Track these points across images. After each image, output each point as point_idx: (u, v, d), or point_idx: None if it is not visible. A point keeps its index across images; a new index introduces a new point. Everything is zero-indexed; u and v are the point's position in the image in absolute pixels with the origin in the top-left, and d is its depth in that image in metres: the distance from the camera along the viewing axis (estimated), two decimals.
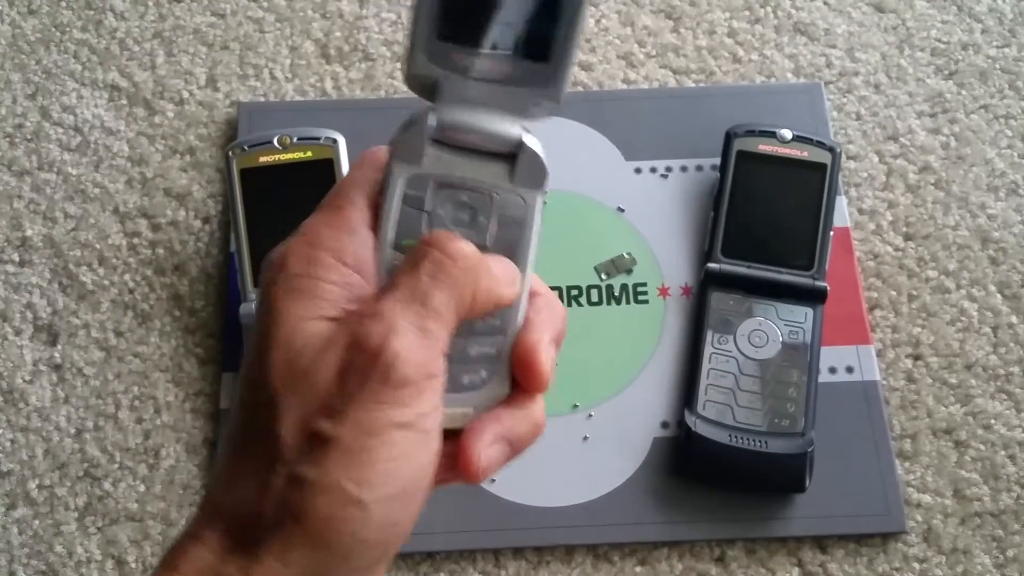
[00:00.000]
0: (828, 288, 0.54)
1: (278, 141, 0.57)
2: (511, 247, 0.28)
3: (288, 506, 0.24)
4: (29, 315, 0.58)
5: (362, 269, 0.27)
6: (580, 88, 0.64)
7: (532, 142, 0.28)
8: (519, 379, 0.29)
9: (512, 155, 0.28)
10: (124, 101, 0.64)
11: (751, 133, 0.58)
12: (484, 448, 0.27)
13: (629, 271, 0.58)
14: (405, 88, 0.29)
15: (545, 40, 0.27)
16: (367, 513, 0.24)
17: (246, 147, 0.57)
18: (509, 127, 0.28)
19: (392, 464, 0.24)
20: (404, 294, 0.26)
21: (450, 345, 0.26)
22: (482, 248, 0.28)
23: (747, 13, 0.66)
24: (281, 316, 0.26)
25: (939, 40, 0.65)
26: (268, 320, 0.26)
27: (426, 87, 0.28)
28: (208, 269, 0.59)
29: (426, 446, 0.26)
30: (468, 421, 0.28)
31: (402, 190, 0.28)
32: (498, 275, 0.27)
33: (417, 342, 0.25)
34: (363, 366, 0.24)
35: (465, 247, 0.27)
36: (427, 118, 0.27)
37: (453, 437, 0.28)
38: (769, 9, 0.66)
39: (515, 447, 0.29)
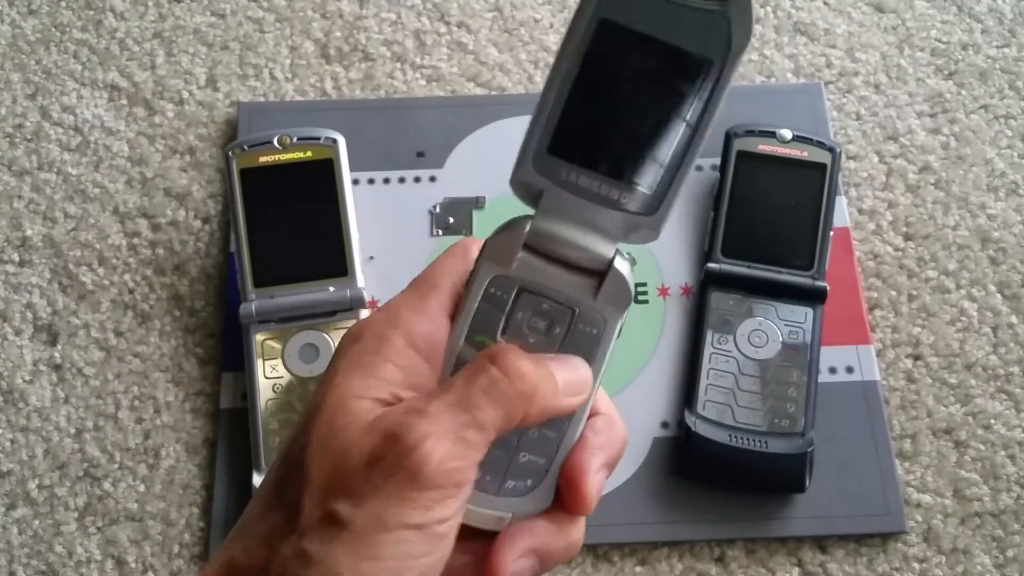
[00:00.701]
0: (828, 288, 0.54)
1: (278, 141, 0.57)
2: None
3: None
4: (29, 315, 0.58)
5: (432, 356, 0.27)
6: None
7: (622, 265, 0.28)
8: (563, 497, 0.28)
9: (600, 273, 0.28)
10: (124, 101, 0.64)
11: (751, 133, 0.58)
12: (514, 559, 0.27)
13: None
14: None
15: (654, 171, 0.27)
16: None
17: (246, 147, 0.57)
18: (603, 246, 0.28)
19: (397, 563, 0.24)
20: (454, 399, 0.25)
21: (497, 446, 0.26)
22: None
23: None
24: (335, 388, 0.26)
25: (939, 40, 0.65)
26: (323, 388, 0.26)
27: (530, 195, 0.28)
28: (208, 269, 0.59)
29: (436, 550, 0.25)
30: (504, 525, 0.28)
31: (486, 287, 0.28)
32: (560, 384, 0.27)
33: (453, 450, 0.25)
34: (394, 459, 0.24)
35: (525, 366, 0.26)
36: (526, 225, 0.28)
37: (485, 538, 0.28)
38: (769, 9, 0.66)
39: (545, 563, 0.28)
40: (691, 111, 0.27)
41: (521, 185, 0.28)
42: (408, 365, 0.27)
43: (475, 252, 0.29)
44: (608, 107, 0.27)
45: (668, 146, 0.27)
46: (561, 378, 0.27)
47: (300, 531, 0.24)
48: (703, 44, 0.26)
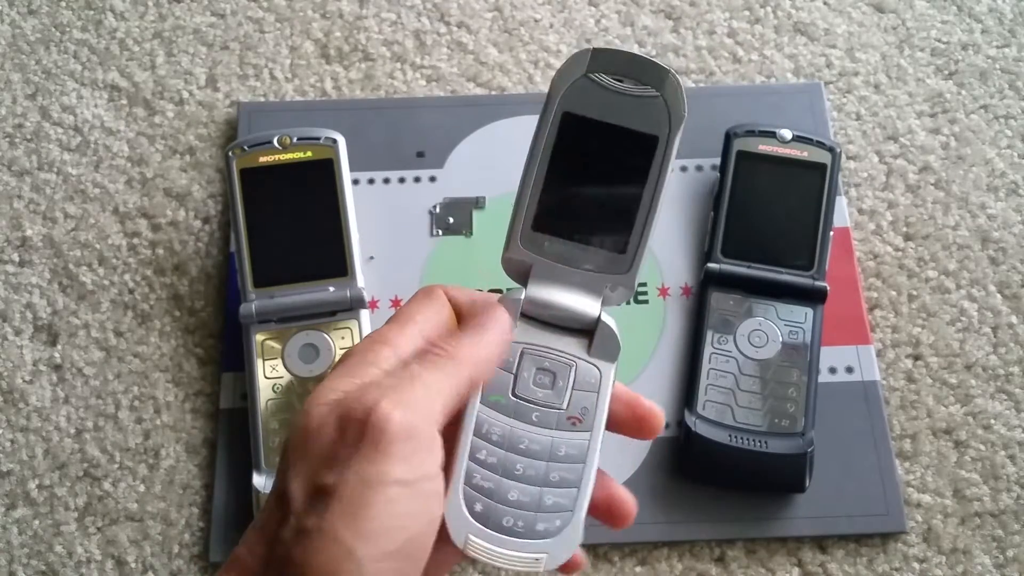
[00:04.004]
0: (828, 288, 0.54)
1: (278, 141, 0.57)
2: (585, 409, 0.32)
3: (291, 558, 0.26)
4: (29, 315, 0.58)
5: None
6: None
7: (608, 320, 0.32)
8: (610, 520, 0.33)
9: (591, 331, 0.32)
10: (124, 101, 0.64)
11: (751, 133, 0.58)
12: None
13: None
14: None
15: (623, 236, 0.32)
16: (362, 567, 0.25)
17: (246, 147, 0.57)
18: (589, 307, 0.32)
19: (390, 520, 0.26)
20: (397, 374, 0.29)
21: (522, 493, 0.31)
22: (558, 409, 0.32)
23: (747, 13, 0.66)
24: (316, 389, 0.29)
25: (939, 40, 0.65)
26: (320, 391, 0.29)
27: (520, 271, 0.33)
28: (208, 269, 0.59)
29: (426, 509, 0.27)
30: (541, 566, 0.30)
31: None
32: (489, 343, 0.31)
33: (405, 408, 0.27)
34: (358, 425, 0.27)
35: (454, 348, 0.30)
36: (517, 299, 0.32)
37: None
38: (769, 9, 0.66)
39: None
40: (647, 179, 0.32)
41: (511, 261, 0.32)
42: (391, 370, 0.29)
43: (441, 297, 0.33)
44: (578, 185, 0.32)
45: (631, 212, 0.32)
46: (482, 353, 0.31)
47: (295, 513, 0.26)
48: (649, 124, 0.32)
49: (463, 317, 0.33)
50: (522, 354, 0.32)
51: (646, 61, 0.32)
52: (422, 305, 0.32)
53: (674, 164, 0.33)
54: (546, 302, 0.32)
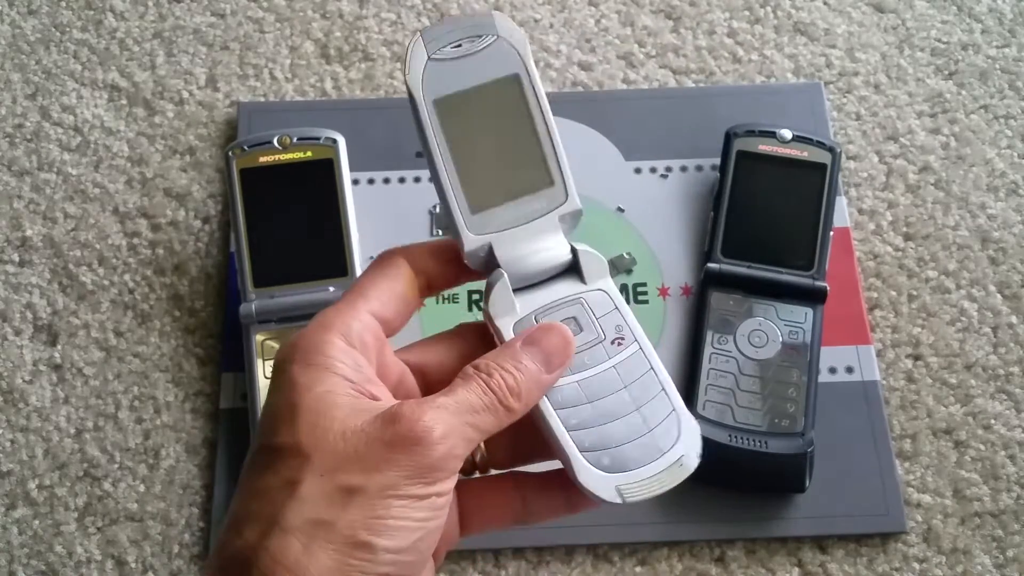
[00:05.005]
0: (828, 288, 0.54)
1: (278, 141, 0.57)
2: (619, 326, 0.33)
3: (300, 545, 0.26)
4: (29, 315, 0.58)
5: (366, 350, 0.31)
6: (580, 88, 0.64)
7: (580, 246, 0.33)
8: None
9: (574, 264, 0.33)
10: (124, 101, 0.64)
11: (751, 133, 0.58)
12: None
13: (629, 271, 0.58)
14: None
15: (542, 170, 0.33)
16: (375, 562, 0.27)
17: (246, 147, 0.57)
18: (560, 247, 0.33)
19: (404, 522, 0.27)
20: (455, 404, 0.29)
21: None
22: (598, 341, 0.32)
23: (747, 13, 0.66)
24: (302, 387, 0.29)
25: (939, 40, 0.65)
26: (290, 392, 0.29)
27: (483, 258, 0.33)
28: (208, 269, 0.59)
29: (436, 517, 0.28)
30: (691, 463, 0.32)
31: (513, 334, 0.32)
32: (538, 369, 0.31)
33: (456, 442, 0.28)
34: (408, 442, 0.28)
35: (506, 379, 0.30)
36: (502, 279, 0.33)
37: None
38: (769, 9, 0.66)
39: None
40: (530, 111, 0.33)
41: (474, 255, 0.33)
42: (351, 362, 0.30)
43: (399, 265, 0.33)
44: (485, 154, 0.33)
45: (539, 146, 0.33)
46: (536, 364, 0.31)
47: (304, 499, 0.27)
48: (505, 65, 0.33)
49: (434, 286, 0.34)
50: (537, 319, 0.33)
51: (466, 18, 0.33)
52: (376, 278, 0.32)
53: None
54: (525, 268, 0.33)
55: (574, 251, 0.33)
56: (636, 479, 0.31)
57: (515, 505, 0.33)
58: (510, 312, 0.33)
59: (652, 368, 0.32)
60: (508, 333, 0.32)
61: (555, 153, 0.33)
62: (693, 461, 0.32)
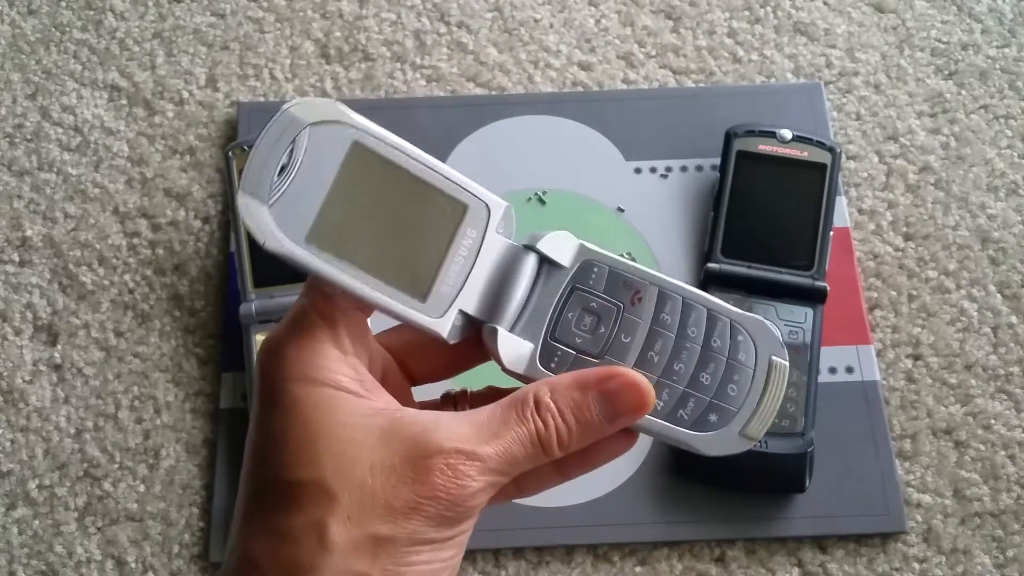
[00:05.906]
0: (828, 288, 0.54)
1: None
2: (626, 283, 0.31)
3: None
4: (29, 315, 0.58)
5: (358, 350, 0.30)
6: (580, 88, 0.64)
7: (539, 241, 0.31)
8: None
9: (547, 262, 0.31)
10: (124, 101, 0.64)
11: (751, 133, 0.58)
12: None
13: None
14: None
15: (447, 202, 0.30)
16: None
17: (246, 147, 0.57)
18: (526, 263, 0.31)
19: (433, 565, 0.28)
20: (496, 453, 0.28)
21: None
22: (617, 312, 0.31)
23: (747, 13, 0.66)
24: (310, 410, 0.28)
25: (939, 40, 0.65)
26: (297, 416, 0.28)
27: (465, 326, 0.30)
28: (208, 269, 0.59)
29: (459, 554, 0.29)
30: (785, 365, 0.30)
31: (540, 366, 0.31)
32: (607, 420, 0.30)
33: (489, 491, 0.28)
34: (442, 496, 0.27)
35: (558, 434, 0.29)
36: (499, 334, 0.30)
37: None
38: (769, 9, 0.66)
39: None
40: (400, 158, 0.30)
41: (455, 331, 0.30)
42: (352, 372, 0.29)
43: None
44: (384, 244, 0.30)
45: (428, 181, 0.30)
46: (601, 419, 0.29)
47: (335, 551, 0.26)
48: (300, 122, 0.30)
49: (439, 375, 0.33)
50: (554, 334, 0.31)
51: (267, 134, 0.29)
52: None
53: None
54: (508, 301, 0.31)
55: (533, 249, 0.31)
56: (749, 413, 0.30)
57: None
58: (523, 353, 0.30)
59: (684, 298, 0.31)
60: (539, 371, 0.30)
61: (446, 178, 0.30)
62: (783, 353, 0.30)
